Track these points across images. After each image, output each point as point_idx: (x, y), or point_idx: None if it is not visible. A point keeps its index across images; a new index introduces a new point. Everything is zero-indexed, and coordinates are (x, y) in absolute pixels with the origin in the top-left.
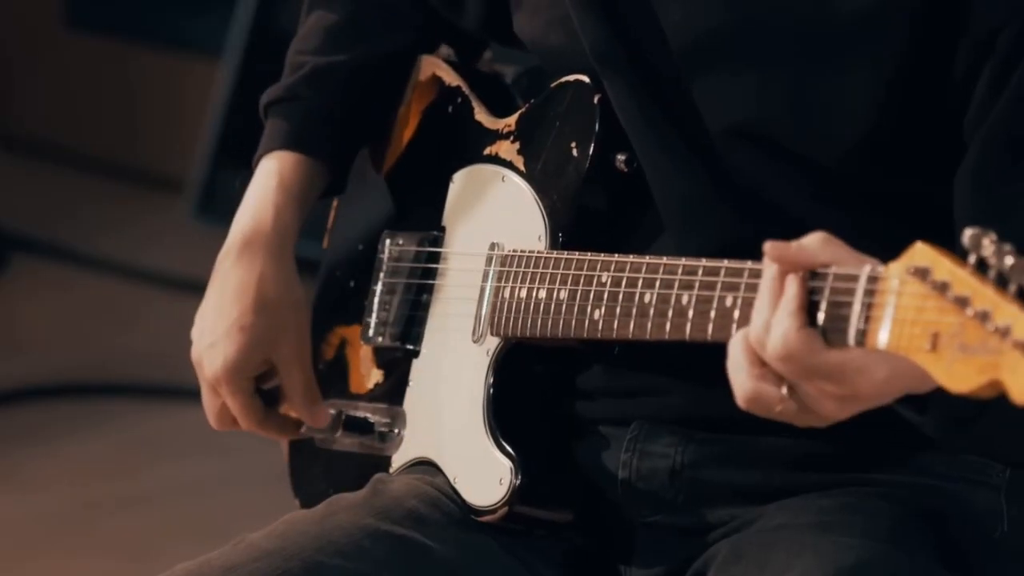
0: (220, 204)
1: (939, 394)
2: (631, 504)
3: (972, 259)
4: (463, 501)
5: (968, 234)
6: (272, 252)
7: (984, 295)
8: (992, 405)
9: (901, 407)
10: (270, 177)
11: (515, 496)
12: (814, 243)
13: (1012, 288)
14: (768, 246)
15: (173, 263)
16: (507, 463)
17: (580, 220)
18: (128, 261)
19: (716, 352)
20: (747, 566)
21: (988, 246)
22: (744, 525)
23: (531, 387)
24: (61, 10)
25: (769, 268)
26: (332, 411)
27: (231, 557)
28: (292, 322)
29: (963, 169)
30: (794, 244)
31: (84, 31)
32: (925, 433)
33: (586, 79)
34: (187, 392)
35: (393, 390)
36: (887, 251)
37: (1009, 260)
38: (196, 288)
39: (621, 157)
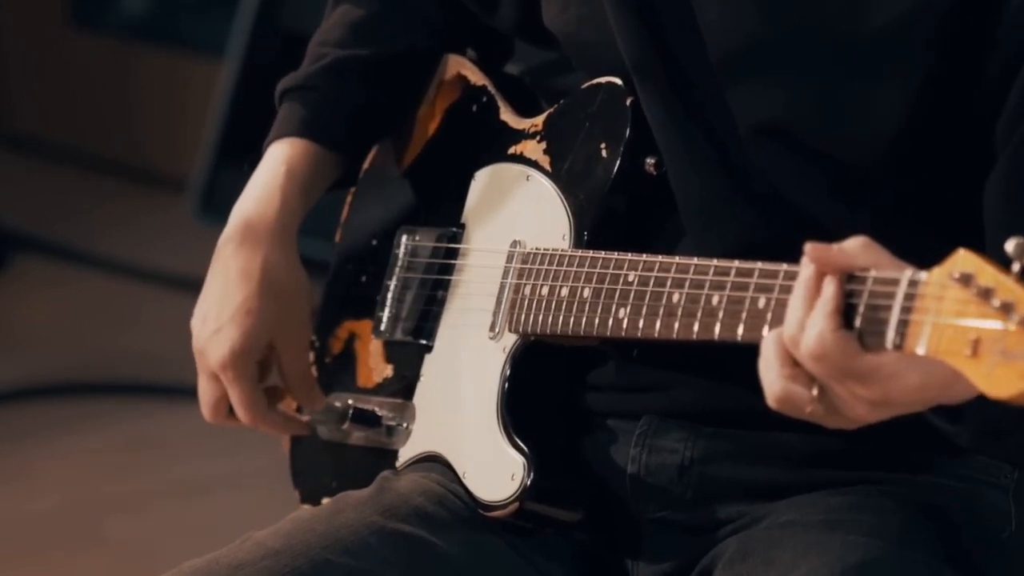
0: (222, 203)
1: (973, 405)
2: (639, 500)
3: (1016, 268)
4: (472, 496)
5: (1013, 243)
6: (276, 237)
7: None
8: None
9: (934, 417)
10: (279, 163)
11: (526, 493)
12: (855, 247)
13: None
14: (809, 247)
15: (175, 262)
16: (520, 459)
17: (606, 220)
18: (130, 260)
19: (728, 348)
20: (754, 563)
21: None
22: (752, 522)
23: (546, 385)
24: (64, 9)
25: (806, 268)
26: (339, 404)
27: (238, 555)
28: (297, 306)
29: (994, 177)
30: (835, 246)
31: (87, 30)
32: (958, 444)
33: (618, 81)
34: (190, 391)
35: (403, 385)
36: (910, 256)
37: None
38: (198, 287)
39: (650, 160)
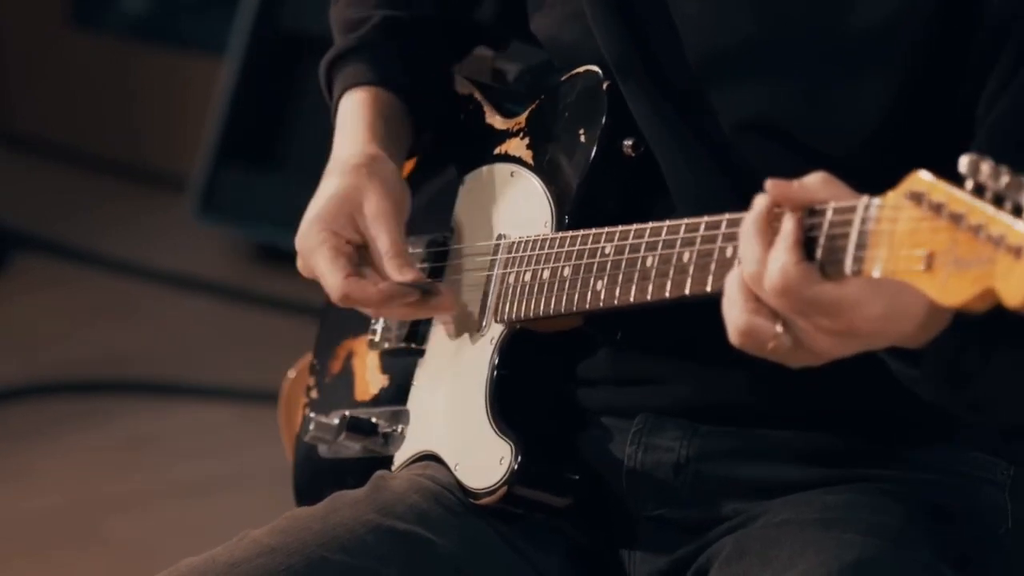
0: (222, 203)
1: (933, 344)
2: (635, 497)
3: (969, 184)
4: (463, 487)
5: (965, 160)
6: (367, 164)
7: (978, 211)
8: (986, 370)
9: (895, 362)
10: (357, 106)
11: (514, 476)
12: (815, 182)
13: (1008, 205)
14: (770, 184)
15: (175, 261)
16: (507, 444)
17: (586, 204)
18: (130, 259)
19: (722, 340)
20: (750, 563)
21: (985, 170)
22: (749, 520)
23: (534, 373)
24: (64, 9)
25: (757, 204)
26: (336, 419)
27: (235, 553)
28: (378, 181)
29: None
30: (795, 182)
31: (87, 30)
32: (922, 395)
33: (595, 68)
34: (187, 390)
35: (398, 392)
36: None
37: (1005, 179)
38: (198, 286)
39: (628, 142)
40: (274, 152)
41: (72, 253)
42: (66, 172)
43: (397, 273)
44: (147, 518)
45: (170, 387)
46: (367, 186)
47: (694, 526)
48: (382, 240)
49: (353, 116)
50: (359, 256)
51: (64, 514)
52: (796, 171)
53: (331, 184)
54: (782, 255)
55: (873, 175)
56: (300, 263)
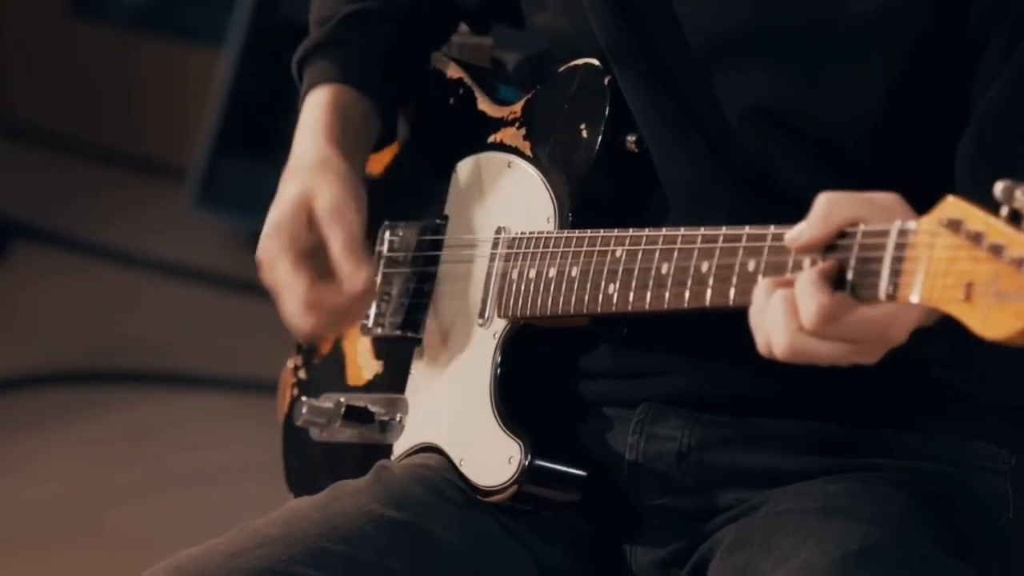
0: (221, 192)
1: (942, 324)
2: (638, 487)
3: (1005, 211)
4: (470, 483)
5: (1000, 187)
6: (320, 167)
7: (1019, 243)
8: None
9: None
10: (317, 107)
11: (524, 475)
12: (819, 217)
13: None
14: (796, 246)
15: (174, 251)
16: (516, 442)
17: (590, 201)
18: (129, 249)
19: (722, 330)
20: (752, 552)
21: (1020, 197)
22: (751, 510)
23: (538, 369)
24: None
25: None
26: (330, 403)
27: (236, 543)
28: (332, 178)
29: (965, 138)
30: (803, 228)
31: (87, 19)
32: (932, 368)
33: (596, 62)
34: (187, 379)
35: (393, 379)
36: None
37: None
38: (197, 276)
39: (631, 138)
40: (272, 142)
41: (71, 243)
42: (65, 162)
43: (353, 268)
44: (147, 509)
45: (169, 377)
46: (319, 183)
47: (696, 515)
48: (336, 237)
49: (312, 118)
50: (319, 260)
51: (64, 505)
52: (794, 160)
53: (287, 189)
54: (812, 292)
55: (872, 163)
56: (263, 274)
